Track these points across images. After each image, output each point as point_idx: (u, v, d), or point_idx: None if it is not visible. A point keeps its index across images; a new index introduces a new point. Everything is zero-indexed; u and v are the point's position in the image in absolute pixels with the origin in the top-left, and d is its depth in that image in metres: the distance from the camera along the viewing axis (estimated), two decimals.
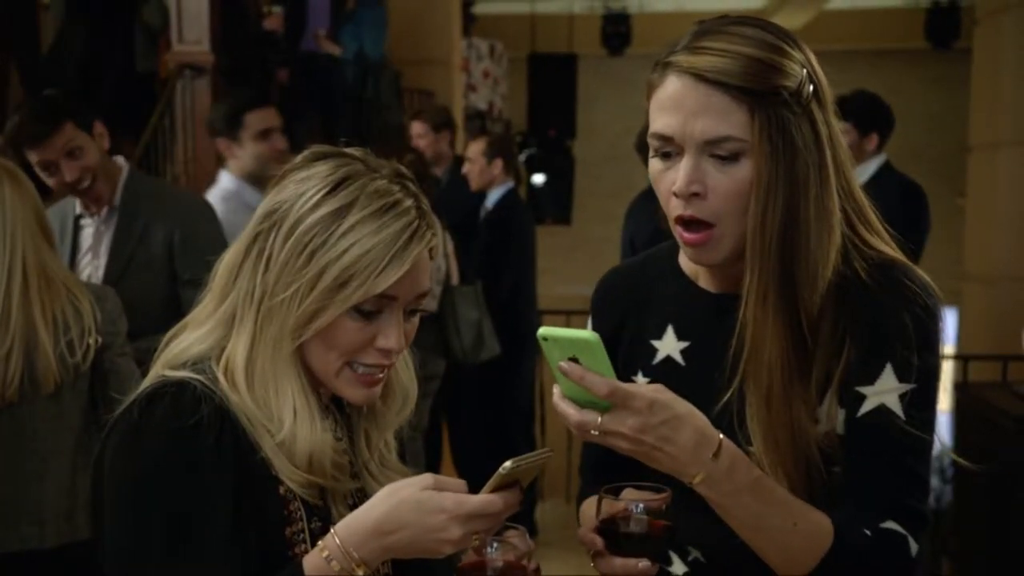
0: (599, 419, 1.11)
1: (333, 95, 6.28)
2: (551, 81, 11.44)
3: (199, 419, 1.15)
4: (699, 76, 1.19)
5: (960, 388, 4.10)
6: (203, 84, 5.25)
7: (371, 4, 6.81)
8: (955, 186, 7.17)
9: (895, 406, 1.21)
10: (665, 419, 1.11)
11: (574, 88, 11.54)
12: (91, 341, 2.18)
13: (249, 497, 1.17)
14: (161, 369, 1.23)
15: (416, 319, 1.26)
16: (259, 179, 3.19)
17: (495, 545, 1.18)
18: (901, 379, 1.21)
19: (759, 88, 1.17)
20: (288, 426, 1.19)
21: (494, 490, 1.11)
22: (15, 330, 2.09)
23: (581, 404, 1.12)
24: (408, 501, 1.11)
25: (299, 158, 1.26)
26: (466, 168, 4.96)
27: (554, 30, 11.89)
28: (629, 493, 1.24)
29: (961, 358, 4.41)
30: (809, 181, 1.20)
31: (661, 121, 1.23)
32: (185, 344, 1.25)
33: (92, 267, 2.82)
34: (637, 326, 1.38)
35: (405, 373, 1.34)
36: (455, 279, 4.38)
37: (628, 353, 1.39)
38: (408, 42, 8.02)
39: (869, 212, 1.29)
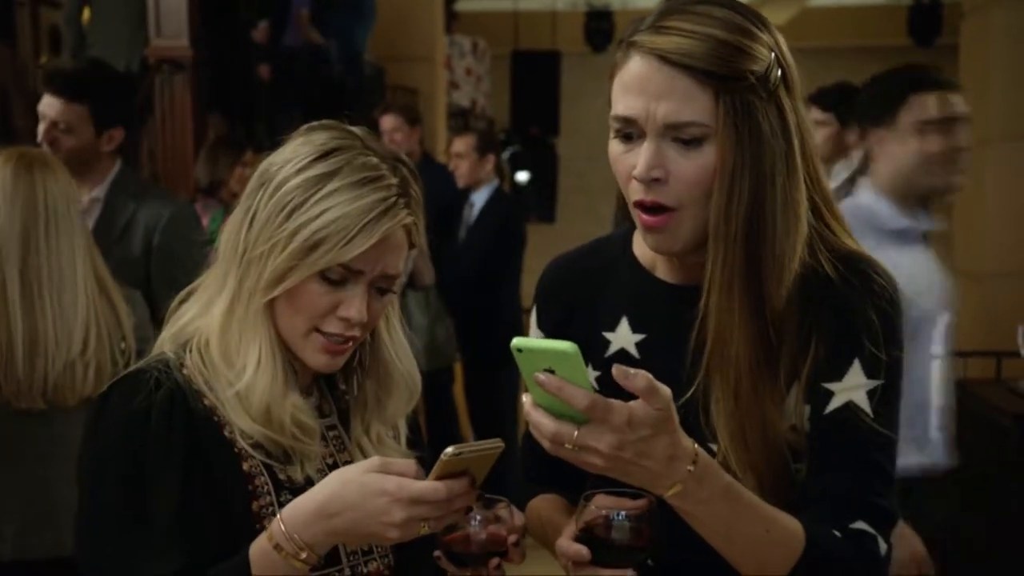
0: (575, 432, 1.07)
1: (315, 90, 6.19)
2: (534, 78, 11.39)
3: (149, 404, 1.19)
4: (663, 58, 1.15)
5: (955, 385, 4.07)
6: (182, 80, 5.14)
7: None
8: None
9: (863, 403, 1.20)
10: (642, 436, 1.06)
11: (557, 85, 11.50)
12: (129, 347, 2.14)
13: (206, 474, 1.19)
14: (166, 342, 1.29)
15: (386, 299, 1.27)
16: None
17: (478, 518, 1.18)
18: (869, 375, 1.20)
19: (724, 72, 1.14)
20: (249, 375, 1.21)
21: (438, 477, 1.09)
22: (90, 327, 2.05)
23: (555, 415, 1.08)
24: (352, 482, 1.11)
25: (304, 127, 1.29)
26: (453, 164, 4.88)
27: (537, 27, 11.84)
28: (603, 499, 1.20)
29: (958, 354, 4.36)
30: (776, 169, 1.16)
31: (623, 103, 1.19)
32: (190, 315, 1.29)
33: None
34: (587, 317, 1.35)
35: (406, 361, 1.35)
36: (425, 280, 4.30)
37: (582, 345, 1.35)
38: (390, 39, 7.96)
39: (834, 204, 1.27)
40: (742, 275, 1.17)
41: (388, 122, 4.96)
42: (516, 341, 1.08)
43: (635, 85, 1.17)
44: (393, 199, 1.21)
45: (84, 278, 2.09)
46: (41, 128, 2.72)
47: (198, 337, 1.27)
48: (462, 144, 4.90)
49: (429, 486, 1.09)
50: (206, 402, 1.23)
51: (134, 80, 4.98)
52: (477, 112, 10.30)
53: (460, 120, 9.22)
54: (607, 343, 1.33)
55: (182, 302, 1.32)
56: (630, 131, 1.19)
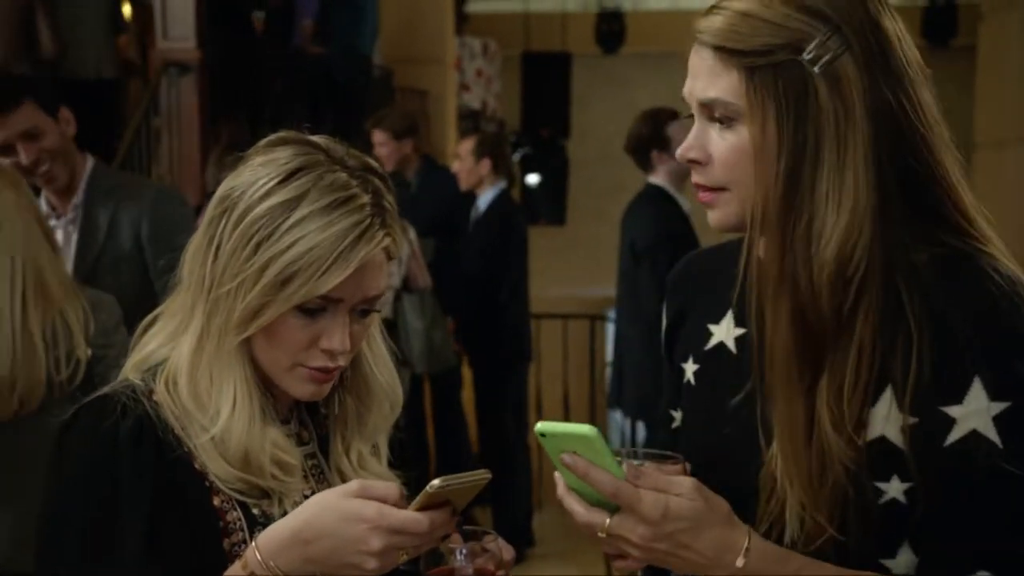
0: (607, 521, 1.02)
1: (320, 93, 6.16)
2: (545, 80, 11.34)
3: (115, 435, 1.12)
4: (698, 38, 1.12)
5: None
6: (189, 82, 5.12)
7: None
8: None
9: (989, 431, 1.03)
10: (680, 528, 1.01)
11: (568, 87, 11.45)
12: (80, 356, 2.06)
13: (175, 510, 1.13)
14: (130, 370, 1.21)
15: (369, 320, 1.21)
16: None
17: (463, 551, 1.13)
18: (994, 396, 1.03)
19: (744, 48, 1.07)
20: (224, 420, 1.14)
21: (422, 508, 1.04)
22: (16, 345, 1.99)
23: (588, 499, 1.04)
24: (330, 508, 1.05)
25: (262, 142, 1.20)
26: (455, 167, 4.85)
27: (548, 28, 11.79)
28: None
29: None
30: (821, 152, 1.06)
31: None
32: (156, 343, 1.21)
33: None
34: (701, 309, 1.28)
35: (386, 374, 1.29)
36: (421, 284, 4.26)
37: (686, 336, 1.29)
38: (401, 41, 7.93)
39: (964, 196, 1.12)
40: (776, 261, 1.08)
41: (375, 136, 4.94)
42: (539, 426, 1.04)
43: (688, 68, 1.14)
44: (368, 220, 1.13)
45: (12, 295, 2.02)
46: (23, 155, 2.58)
47: (166, 371, 1.19)
48: (461, 148, 4.87)
49: (411, 517, 1.04)
50: (176, 432, 1.16)
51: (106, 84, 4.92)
52: (488, 114, 10.25)
53: (470, 122, 9.18)
54: (710, 335, 1.25)
55: (147, 328, 1.24)
56: (691, 113, 1.15)
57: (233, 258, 1.13)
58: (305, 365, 1.17)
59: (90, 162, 2.76)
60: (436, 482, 1.03)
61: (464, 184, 4.80)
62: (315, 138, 1.20)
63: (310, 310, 1.14)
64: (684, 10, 11.73)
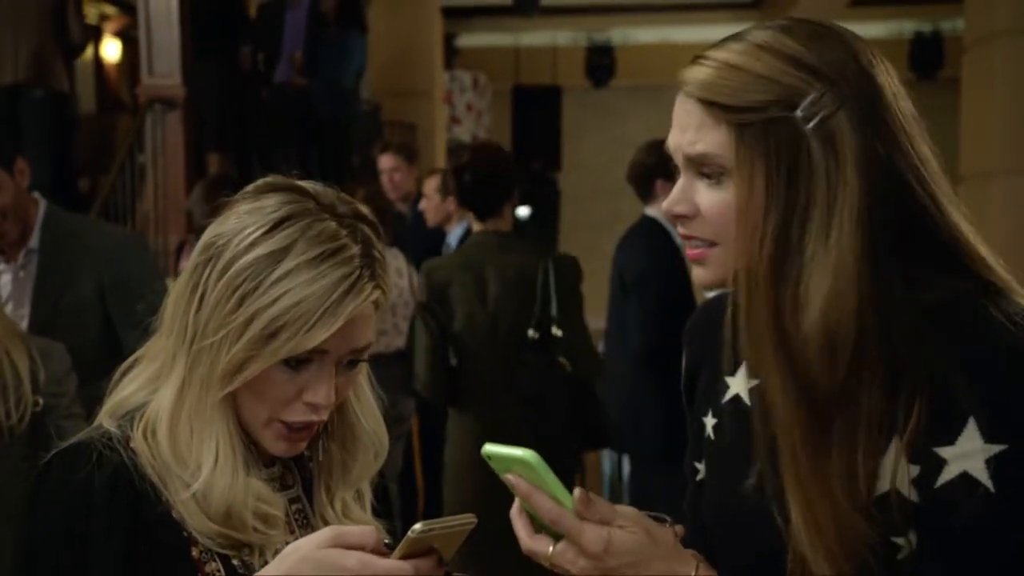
0: (549, 549, 0.99)
1: (306, 125, 6.17)
2: (535, 113, 11.40)
3: (90, 487, 1.08)
4: (683, 89, 1.07)
5: None
6: (174, 118, 5.12)
7: (355, 33, 6.70)
8: None
9: (981, 474, 0.98)
10: (624, 562, 0.98)
11: (559, 120, 11.51)
12: (27, 400, 2.01)
13: (151, 562, 1.08)
14: (105, 416, 1.17)
15: (356, 371, 1.17)
16: None
17: None
18: (989, 439, 0.98)
19: (734, 103, 1.02)
20: (206, 475, 1.10)
21: (405, 555, 1.00)
22: None
23: (538, 522, 1.01)
24: (308, 560, 1.00)
25: (251, 187, 1.16)
26: (422, 204, 4.80)
27: (538, 62, 11.87)
28: None
29: None
30: (810, 211, 1.02)
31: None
32: (133, 387, 1.17)
33: (15, 317, 2.57)
34: (717, 360, 1.22)
35: (371, 421, 1.24)
36: None
37: (704, 389, 1.24)
38: (390, 74, 7.96)
39: (963, 239, 1.07)
40: (764, 319, 1.04)
41: (387, 161, 4.91)
42: (485, 448, 1.02)
43: (673, 119, 1.09)
44: (356, 272, 1.09)
45: None
46: None
47: (144, 419, 1.15)
48: (427, 185, 4.81)
49: (394, 565, 0.99)
50: (153, 482, 1.11)
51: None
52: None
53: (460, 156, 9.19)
54: (726, 387, 1.20)
55: (125, 372, 1.20)
56: (675, 165, 1.11)
57: (217, 309, 1.10)
58: (283, 420, 1.14)
59: (42, 207, 2.66)
60: (418, 526, 0.99)
61: (431, 221, 4.73)
62: (305, 184, 1.17)
63: (296, 363, 1.11)
64: (673, 43, 11.81)
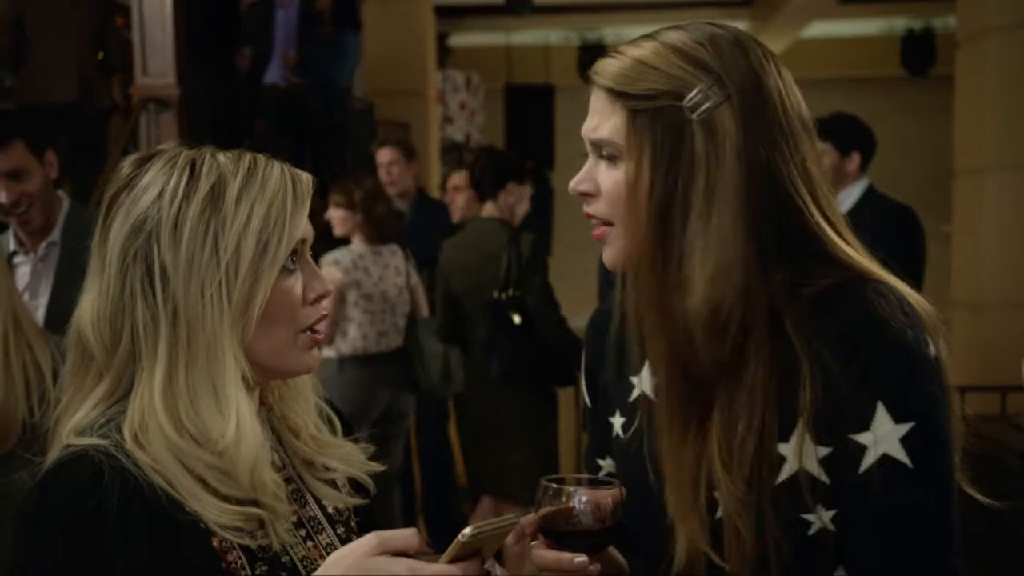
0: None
1: (300, 124, 6.16)
2: (528, 112, 11.39)
3: (100, 499, 1.04)
4: (594, 79, 1.18)
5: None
6: (168, 117, 5.11)
7: (349, 31, 6.70)
8: (935, 214, 7.14)
9: (899, 453, 1.06)
10: None
11: (551, 119, 11.49)
12: (50, 397, 2.01)
13: (174, 561, 1.06)
14: (71, 436, 1.12)
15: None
16: None
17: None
18: (898, 419, 1.06)
19: (630, 91, 1.13)
20: (230, 437, 1.09)
21: (454, 559, 1.01)
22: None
23: None
24: (356, 567, 1.00)
25: (122, 171, 1.17)
26: (449, 197, 4.83)
27: (530, 61, 11.86)
28: (573, 484, 1.17)
29: (958, 389, 4.27)
30: (691, 196, 1.10)
31: None
32: (85, 411, 1.14)
33: (30, 307, 2.59)
34: (618, 361, 1.30)
35: None
36: (424, 313, 4.25)
37: (609, 389, 1.31)
38: (383, 74, 7.95)
39: (839, 231, 1.16)
40: (651, 305, 1.13)
41: (386, 155, 4.91)
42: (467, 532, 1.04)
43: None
44: (283, 166, 1.18)
45: None
46: (4, 194, 2.55)
47: (130, 424, 1.10)
48: (457, 179, 4.85)
49: (444, 570, 1.01)
50: (159, 482, 1.08)
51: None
52: (471, 146, 10.27)
53: (454, 155, 9.19)
54: (632, 386, 1.27)
55: (62, 415, 1.16)
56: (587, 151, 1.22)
57: (193, 268, 1.10)
58: (307, 328, 1.18)
59: (66, 203, 2.73)
60: (468, 531, 1.00)
61: (458, 215, 4.77)
62: (168, 145, 1.21)
63: (292, 263, 1.16)
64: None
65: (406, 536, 1.02)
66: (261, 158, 1.18)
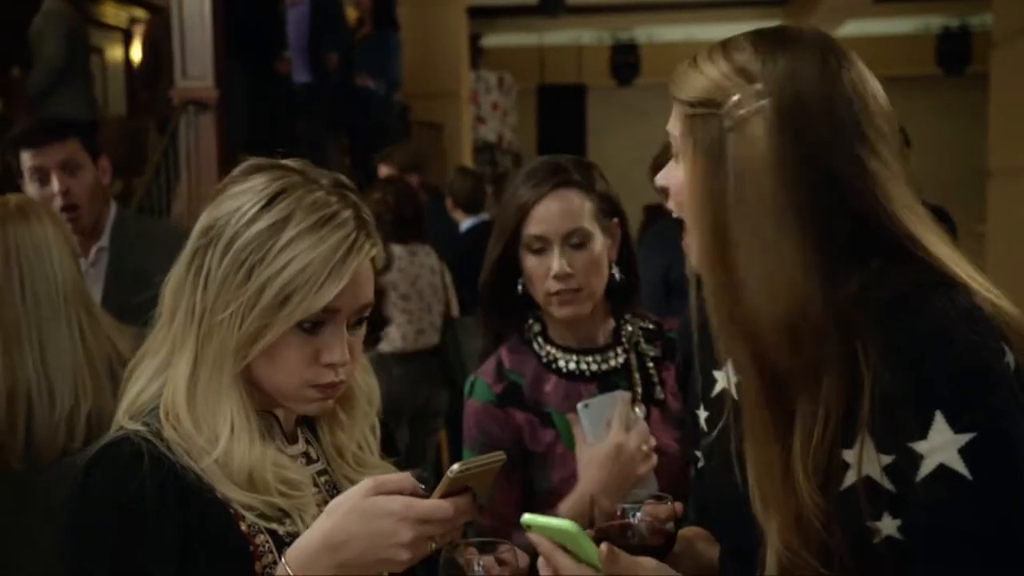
0: None
1: (342, 125, 6.23)
2: (560, 112, 11.42)
3: (140, 482, 1.12)
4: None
5: None
6: (207, 119, 5.19)
7: (390, 31, 6.76)
8: (968, 213, 7.06)
9: (956, 464, 1.02)
10: None
11: (583, 119, 11.52)
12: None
13: (204, 540, 1.13)
14: (124, 418, 1.21)
15: (361, 331, 1.24)
16: None
17: (480, 564, 1.15)
18: (958, 429, 1.03)
19: (683, 97, 1.15)
20: (224, 443, 1.16)
21: (444, 495, 1.07)
22: (79, 377, 1.97)
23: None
24: (354, 511, 1.07)
25: (236, 171, 1.23)
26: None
27: (563, 61, 11.88)
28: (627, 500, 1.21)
29: None
30: (737, 203, 1.09)
31: None
32: (142, 382, 1.22)
33: None
34: (707, 355, 1.28)
35: (363, 376, 1.33)
36: (456, 311, 4.31)
37: (695, 384, 1.32)
38: (416, 76, 8.00)
39: (913, 234, 1.13)
40: (715, 303, 1.13)
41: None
42: (526, 518, 1.10)
43: None
44: (354, 233, 1.17)
45: (70, 327, 2.02)
46: (56, 183, 2.59)
47: (164, 408, 1.19)
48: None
49: (436, 504, 1.06)
50: (192, 467, 1.17)
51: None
52: (503, 146, 10.32)
53: (486, 155, 9.23)
54: (714, 381, 1.28)
55: (132, 370, 1.25)
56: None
57: (225, 286, 1.15)
58: (314, 384, 1.19)
59: (114, 208, 2.79)
60: (455, 467, 1.05)
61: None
62: (287, 162, 1.23)
63: (309, 327, 1.17)
64: (698, 41, 11.79)
65: (400, 478, 1.08)
66: (345, 212, 1.18)
